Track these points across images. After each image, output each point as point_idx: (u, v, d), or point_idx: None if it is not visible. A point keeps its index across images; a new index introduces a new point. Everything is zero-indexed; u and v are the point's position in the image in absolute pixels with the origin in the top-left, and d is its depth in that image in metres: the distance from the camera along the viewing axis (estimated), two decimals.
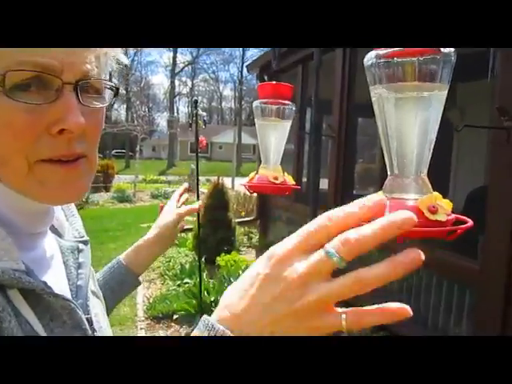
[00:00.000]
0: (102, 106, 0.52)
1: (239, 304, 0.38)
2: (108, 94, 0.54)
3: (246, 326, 0.38)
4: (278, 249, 0.38)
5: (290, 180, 1.05)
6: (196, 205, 0.99)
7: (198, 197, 2.77)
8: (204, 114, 3.12)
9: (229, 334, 0.38)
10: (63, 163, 0.48)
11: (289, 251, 0.37)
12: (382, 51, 0.52)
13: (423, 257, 0.37)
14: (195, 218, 6.04)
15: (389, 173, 0.57)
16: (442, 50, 0.50)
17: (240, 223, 6.34)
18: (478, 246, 3.07)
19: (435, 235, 0.53)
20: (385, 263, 0.36)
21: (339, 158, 4.38)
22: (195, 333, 0.40)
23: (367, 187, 6.77)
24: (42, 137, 0.47)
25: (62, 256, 0.59)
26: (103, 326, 0.61)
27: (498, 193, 2.60)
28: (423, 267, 3.10)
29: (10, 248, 0.47)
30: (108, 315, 0.68)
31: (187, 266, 4.70)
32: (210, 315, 0.41)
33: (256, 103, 1.06)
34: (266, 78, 6.39)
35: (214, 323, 0.39)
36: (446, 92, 0.53)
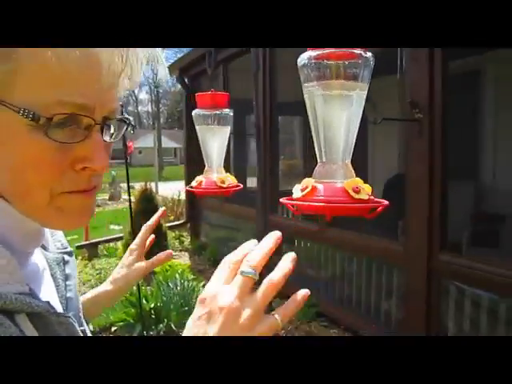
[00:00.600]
0: (117, 139, 0.54)
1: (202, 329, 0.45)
2: (120, 126, 0.55)
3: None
4: (208, 290, 0.47)
5: (233, 180, 1.10)
6: (164, 254, 0.93)
7: (130, 204, 2.73)
8: (131, 118, 3.08)
9: None
10: (80, 192, 0.50)
11: (216, 289, 0.47)
12: (313, 53, 0.59)
13: (294, 254, 0.49)
14: (122, 227, 5.87)
15: (318, 160, 0.64)
16: (362, 54, 0.58)
17: (170, 227, 6.28)
18: (398, 229, 3.32)
19: (359, 212, 0.61)
20: (281, 263, 0.48)
21: (265, 157, 4.50)
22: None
23: (291, 183, 7.01)
24: (66, 172, 0.48)
25: (49, 269, 0.59)
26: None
27: (414, 180, 2.83)
28: (354, 254, 3.32)
29: (15, 271, 0.47)
30: None
31: None
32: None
33: (196, 111, 1.11)
34: (186, 80, 6.38)
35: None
36: (367, 90, 0.61)
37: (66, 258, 0.63)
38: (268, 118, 4.40)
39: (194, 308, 0.48)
